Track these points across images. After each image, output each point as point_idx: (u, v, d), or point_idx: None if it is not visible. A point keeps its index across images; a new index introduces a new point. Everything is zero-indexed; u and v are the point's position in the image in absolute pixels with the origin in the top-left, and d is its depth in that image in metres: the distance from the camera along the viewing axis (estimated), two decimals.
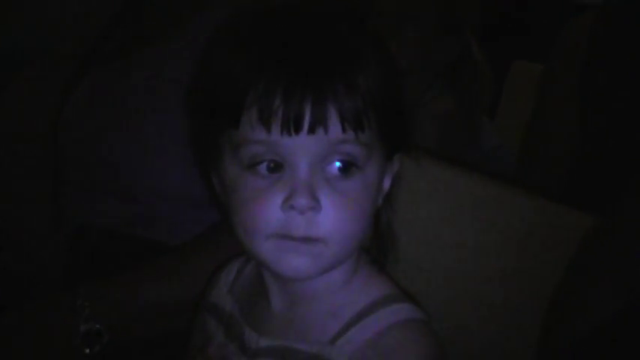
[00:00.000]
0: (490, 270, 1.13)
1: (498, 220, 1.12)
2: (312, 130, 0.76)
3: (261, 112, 0.76)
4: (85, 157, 1.22)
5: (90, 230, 1.22)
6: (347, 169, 0.79)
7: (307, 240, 0.79)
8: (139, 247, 1.21)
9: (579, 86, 1.42)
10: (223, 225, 1.14)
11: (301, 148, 0.77)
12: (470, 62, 1.94)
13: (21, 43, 1.64)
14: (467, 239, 1.14)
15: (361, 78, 0.78)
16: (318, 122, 0.76)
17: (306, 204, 0.77)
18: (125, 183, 1.21)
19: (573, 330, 1.02)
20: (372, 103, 0.78)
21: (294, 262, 0.80)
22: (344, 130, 0.77)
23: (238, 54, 0.80)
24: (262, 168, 0.79)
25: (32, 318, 1.09)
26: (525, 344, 1.08)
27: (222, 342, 0.91)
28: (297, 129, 0.76)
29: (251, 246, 0.81)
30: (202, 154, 0.88)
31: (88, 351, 1.07)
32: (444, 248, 1.15)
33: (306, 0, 0.86)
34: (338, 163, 0.79)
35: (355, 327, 0.83)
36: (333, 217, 0.79)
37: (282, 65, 0.77)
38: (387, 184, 0.87)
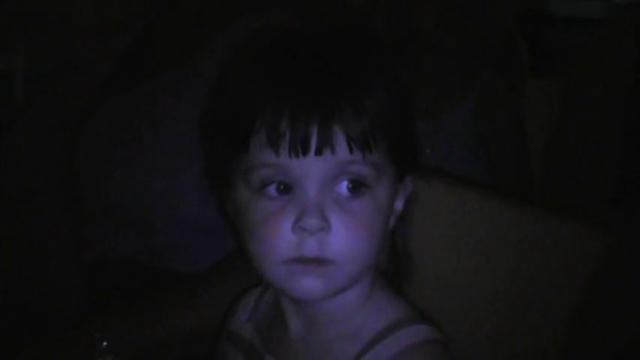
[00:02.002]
0: (508, 290, 1.12)
1: (514, 239, 1.12)
2: (319, 152, 0.77)
3: (269, 135, 0.77)
4: (101, 186, 1.23)
5: (108, 261, 1.23)
6: (356, 189, 0.80)
7: (319, 261, 0.79)
8: (156, 278, 1.21)
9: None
10: (240, 253, 1.14)
11: (309, 170, 0.78)
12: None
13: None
14: (483, 259, 1.14)
15: (368, 100, 0.79)
16: (325, 144, 0.77)
17: (316, 224, 0.78)
18: (141, 213, 1.21)
19: (595, 350, 1.01)
20: (379, 125, 0.79)
21: (307, 284, 0.80)
22: (351, 151, 0.78)
23: (246, 78, 0.81)
24: (272, 190, 0.80)
25: (51, 350, 1.09)
26: None
27: None
28: (305, 151, 0.77)
29: (264, 270, 0.82)
30: (216, 181, 0.89)
31: None
32: (460, 269, 1.15)
33: (314, 25, 0.87)
34: (347, 184, 0.79)
35: (373, 349, 0.83)
36: (344, 237, 0.79)
37: (288, 88, 0.78)
38: (399, 205, 0.87)
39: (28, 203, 1.28)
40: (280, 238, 0.79)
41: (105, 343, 1.07)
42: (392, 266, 0.89)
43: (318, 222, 0.78)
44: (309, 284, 0.79)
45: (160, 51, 1.34)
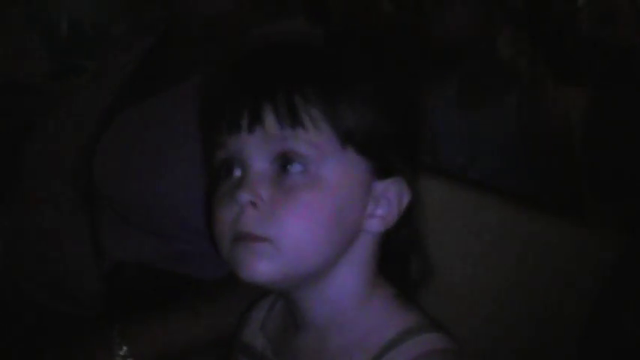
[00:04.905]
0: (517, 295, 1.11)
1: (525, 243, 1.10)
2: (251, 128, 0.81)
3: (215, 117, 0.84)
4: (119, 194, 1.24)
5: (126, 267, 1.24)
6: (289, 164, 0.81)
7: (254, 238, 0.80)
8: (173, 283, 1.22)
9: None
10: None
11: (245, 146, 0.81)
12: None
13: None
14: (493, 264, 1.12)
15: (306, 83, 0.81)
16: (255, 120, 0.80)
17: (244, 197, 0.80)
18: (160, 220, 1.22)
19: (610, 352, 0.99)
20: (323, 107, 0.80)
21: (252, 265, 0.80)
22: (281, 126, 0.80)
23: (217, 79, 0.89)
24: (224, 171, 0.84)
25: (72, 355, 1.10)
26: None
27: None
28: (238, 128, 0.81)
29: (221, 252, 0.84)
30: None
31: None
32: (469, 274, 1.13)
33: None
34: (282, 160, 0.81)
35: (384, 358, 0.82)
36: (273, 213, 0.79)
37: (237, 80, 0.84)
38: (381, 210, 0.85)
39: (48, 209, 1.30)
40: (224, 215, 0.82)
41: (125, 348, 1.09)
42: (401, 272, 0.88)
43: (247, 195, 0.80)
44: (254, 265, 0.80)
45: (175, 61, 1.35)
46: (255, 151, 0.81)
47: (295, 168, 0.80)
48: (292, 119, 0.80)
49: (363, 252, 0.85)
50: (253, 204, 0.79)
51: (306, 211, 0.80)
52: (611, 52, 2.12)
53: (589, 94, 2.02)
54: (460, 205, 1.15)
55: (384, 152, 0.83)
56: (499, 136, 1.97)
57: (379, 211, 0.85)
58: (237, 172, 0.83)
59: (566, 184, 1.92)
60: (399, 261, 0.88)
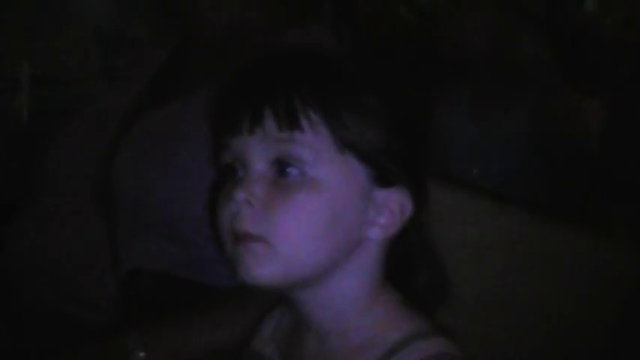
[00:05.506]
0: (526, 305, 1.10)
1: (534, 253, 1.10)
2: (251, 130, 0.82)
3: (220, 119, 0.86)
4: (138, 200, 1.25)
5: (142, 274, 1.25)
6: (286, 166, 0.82)
7: (250, 236, 0.81)
8: (189, 290, 1.23)
9: None
10: None
11: (246, 148, 0.83)
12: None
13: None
14: (500, 273, 1.11)
15: (309, 88, 0.82)
16: (255, 122, 0.82)
17: (240, 196, 0.81)
18: (178, 226, 1.23)
19: None
20: (322, 110, 0.82)
21: (252, 268, 0.81)
22: (280, 128, 0.81)
23: (225, 86, 0.89)
24: (229, 173, 0.86)
25: None
26: None
27: None
28: (239, 129, 0.83)
29: (226, 252, 0.85)
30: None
31: None
32: (476, 281, 1.12)
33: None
34: (279, 162, 0.82)
35: None
36: (268, 212, 0.81)
37: (239, 81, 0.86)
38: (384, 218, 0.85)
39: (65, 215, 1.31)
40: (224, 214, 0.84)
41: (142, 354, 1.10)
42: (408, 279, 0.89)
43: (242, 193, 0.81)
44: (252, 268, 0.81)
45: (196, 65, 1.36)
46: (255, 152, 0.83)
47: (292, 170, 0.82)
48: (290, 121, 0.81)
49: (366, 259, 0.86)
50: (248, 202, 0.81)
51: (300, 211, 0.81)
52: (633, 55, 2.11)
53: (608, 96, 2.02)
54: (476, 214, 1.14)
55: (385, 162, 0.84)
56: (511, 145, 1.97)
57: (381, 220, 0.85)
58: (241, 173, 0.85)
59: (580, 188, 1.91)
60: (405, 268, 0.89)
